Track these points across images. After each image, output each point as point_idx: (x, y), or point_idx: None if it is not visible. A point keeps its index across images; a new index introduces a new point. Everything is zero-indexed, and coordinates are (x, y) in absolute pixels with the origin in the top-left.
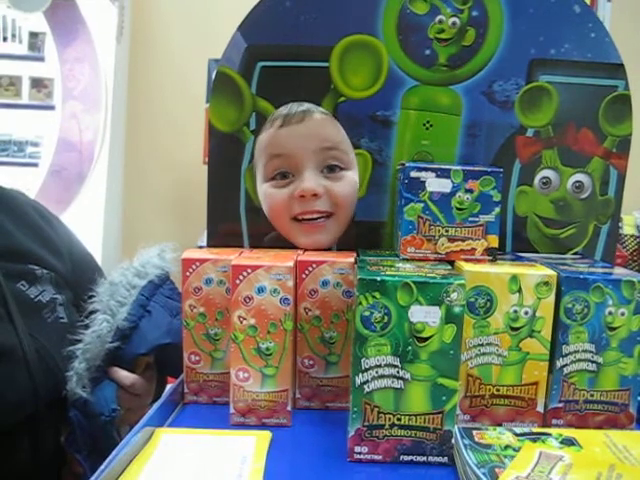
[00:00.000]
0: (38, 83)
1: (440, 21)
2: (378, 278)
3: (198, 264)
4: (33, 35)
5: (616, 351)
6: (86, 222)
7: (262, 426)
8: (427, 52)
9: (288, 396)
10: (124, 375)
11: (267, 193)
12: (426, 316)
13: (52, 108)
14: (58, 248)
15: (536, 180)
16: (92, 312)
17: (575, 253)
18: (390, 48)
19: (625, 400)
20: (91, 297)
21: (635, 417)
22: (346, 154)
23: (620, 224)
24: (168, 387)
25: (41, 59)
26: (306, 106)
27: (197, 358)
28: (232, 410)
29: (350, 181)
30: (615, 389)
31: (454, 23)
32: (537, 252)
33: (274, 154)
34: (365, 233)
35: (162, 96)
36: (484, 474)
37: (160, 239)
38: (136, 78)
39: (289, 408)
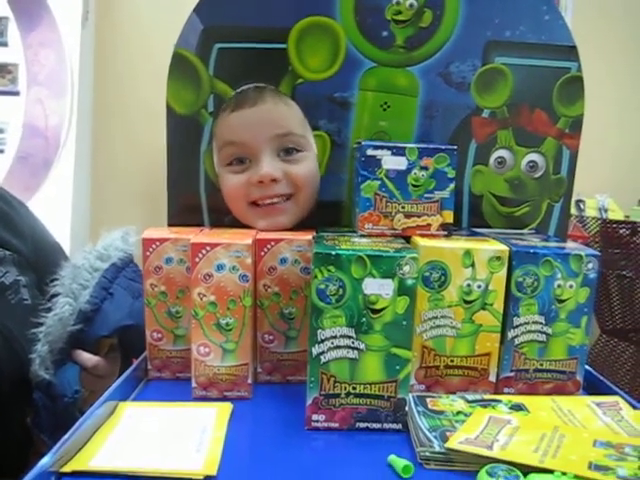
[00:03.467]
0: (2, 68)
1: (397, 2)
2: (333, 252)
3: (158, 243)
4: None
5: (564, 322)
6: (54, 208)
7: (223, 399)
8: (384, 33)
9: (248, 370)
10: (87, 357)
11: (224, 179)
12: (380, 288)
13: (17, 94)
14: (21, 230)
15: (491, 160)
16: (54, 295)
17: (530, 229)
18: (347, 30)
19: (573, 368)
20: (53, 280)
21: (581, 384)
22: (302, 137)
23: (583, 206)
24: None
25: (4, 44)
26: (259, 88)
27: (159, 335)
28: (194, 384)
29: (309, 161)
30: (563, 358)
31: (411, 5)
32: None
33: (228, 141)
34: (324, 212)
35: (129, 81)
36: (435, 437)
37: (129, 224)
38: (102, 63)
39: (249, 381)
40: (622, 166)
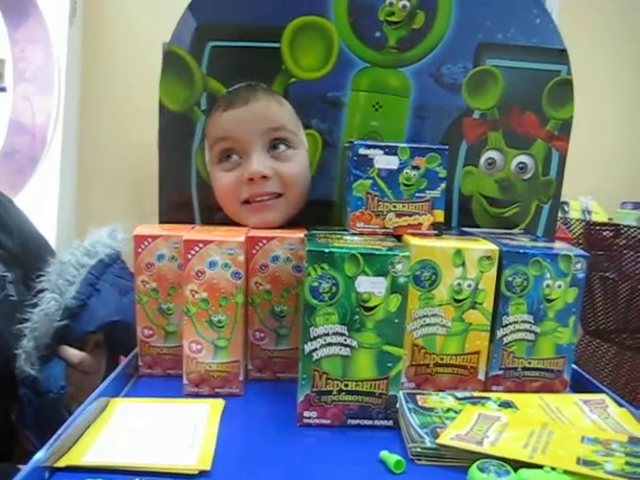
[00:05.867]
0: None
1: (390, 4)
2: (326, 250)
3: (150, 240)
4: None
5: (553, 321)
6: (40, 206)
7: (215, 395)
8: (377, 34)
9: (240, 367)
10: (72, 353)
11: (216, 177)
12: (372, 286)
13: (3, 90)
14: (7, 226)
15: (482, 161)
16: (40, 291)
17: (519, 229)
18: (341, 30)
19: (560, 367)
20: (40, 276)
21: (569, 382)
22: (294, 134)
23: (567, 208)
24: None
25: None
26: (251, 86)
27: (150, 332)
28: (185, 381)
29: (299, 160)
30: (551, 357)
31: (404, 6)
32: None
33: (220, 137)
34: (316, 211)
35: (117, 78)
36: (426, 433)
37: (116, 221)
38: (90, 60)
39: (241, 378)
40: (606, 169)
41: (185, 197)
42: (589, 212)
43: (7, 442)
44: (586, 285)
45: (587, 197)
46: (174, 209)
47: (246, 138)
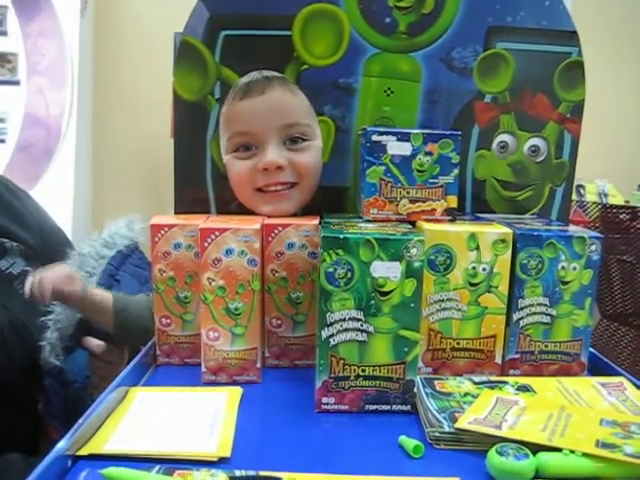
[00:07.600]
0: (2, 58)
1: None
2: (341, 236)
3: (167, 229)
4: None
5: (568, 304)
6: (55, 198)
7: (233, 383)
8: (387, 20)
9: (257, 354)
10: (95, 343)
11: (231, 164)
12: (387, 271)
13: (17, 83)
14: (27, 221)
15: (494, 144)
16: None
17: (532, 214)
18: (351, 16)
19: (577, 350)
20: None
21: (586, 365)
22: (309, 127)
23: (583, 192)
24: None
25: (3, 33)
26: (267, 77)
27: (168, 321)
28: (203, 369)
29: (313, 150)
30: (568, 340)
31: None
32: (496, 214)
33: (237, 131)
34: (329, 198)
35: (129, 69)
36: (444, 418)
37: (130, 212)
38: (102, 52)
39: (258, 365)
40: (622, 151)
41: (200, 187)
42: (605, 195)
43: (33, 432)
44: (603, 268)
45: (603, 180)
46: (189, 199)
47: (262, 132)
